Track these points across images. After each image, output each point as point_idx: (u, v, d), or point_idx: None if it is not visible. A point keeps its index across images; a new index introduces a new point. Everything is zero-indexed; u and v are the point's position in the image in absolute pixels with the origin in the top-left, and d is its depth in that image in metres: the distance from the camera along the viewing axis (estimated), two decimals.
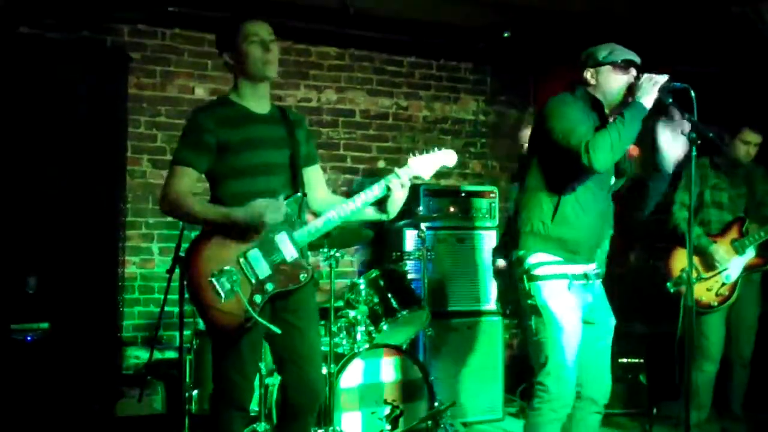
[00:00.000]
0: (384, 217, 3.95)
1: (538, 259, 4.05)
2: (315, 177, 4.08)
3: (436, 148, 3.99)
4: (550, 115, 4.03)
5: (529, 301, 4.07)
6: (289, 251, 3.80)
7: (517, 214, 4.23)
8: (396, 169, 3.86)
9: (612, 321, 4.26)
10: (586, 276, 4.12)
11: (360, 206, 3.86)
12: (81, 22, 6.40)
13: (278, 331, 3.75)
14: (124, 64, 6.44)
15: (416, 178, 3.91)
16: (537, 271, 4.05)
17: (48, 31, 6.26)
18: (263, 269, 3.75)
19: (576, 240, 4.05)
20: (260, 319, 3.70)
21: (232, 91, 3.90)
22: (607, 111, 4.10)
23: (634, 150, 4.23)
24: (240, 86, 3.87)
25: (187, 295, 3.82)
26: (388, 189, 3.85)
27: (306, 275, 3.83)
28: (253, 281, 3.72)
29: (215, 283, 3.65)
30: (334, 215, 3.84)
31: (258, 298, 3.71)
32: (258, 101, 3.89)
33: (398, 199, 3.88)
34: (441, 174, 7.57)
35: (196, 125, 3.75)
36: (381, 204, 3.91)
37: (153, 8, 6.45)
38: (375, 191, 3.84)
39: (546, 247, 4.05)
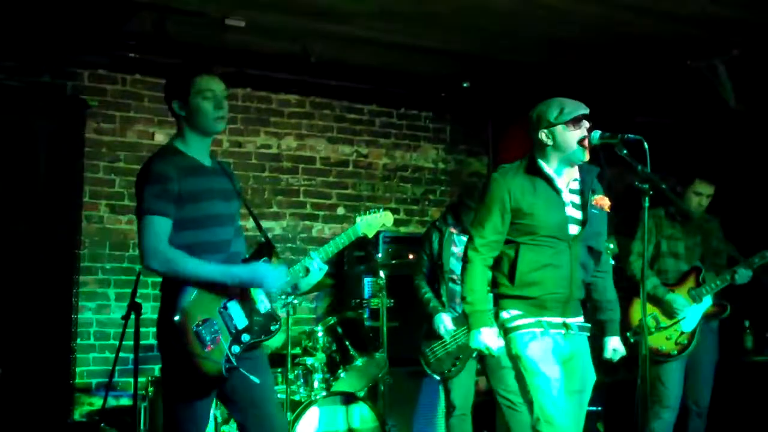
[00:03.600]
0: (290, 294, 4.24)
1: (510, 314, 4.10)
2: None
3: (381, 209, 4.26)
4: (482, 193, 4.24)
5: (510, 353, 4.11)
6: (264, 303, 3.83)
7: None
8: (311, 253, 4.01)
9: (591, 378, 4.26)
10: (566, 326, 4.14)
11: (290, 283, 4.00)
12: (41, 67, 6.40)
13: (257, 380, 3.75)
14: (81, 110, 6.43)
15: (363, 236, 4.14)
16: (512, 324, 4.09)
17: (8, 76, 6.24)
18: (241, 320, 3.74)
19: (539, 296, 4.08)
20: (242, 369, 3.69)
21: (178, 140, 3.84)
22: (569, 166, 4.16)
23: (603, 200, 4.27)
24: (187, 137, 3.82)
25: (153, 341, 3.78)
26: (307, 270, 3.98)
27: (276, 326, 3.84)
28: (233, 331, 3.71)
29: (200, 332, 3.62)
30: (299, 271, 3.95)
31: (236, 349, 3.70)
32: (203, 153, 3.87)
33: (312, 280, 4.02)
34: (401, 221, 7.73)
35: (159, 174, 3.66)
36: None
37: (113, 54, 6.47)
38: (296, 272, 3.96)
39: (514, 305, 4.11)
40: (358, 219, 4.19)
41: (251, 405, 3.85)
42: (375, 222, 4.20)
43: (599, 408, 6.45)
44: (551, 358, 4.05)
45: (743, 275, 5.62)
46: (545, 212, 4.09)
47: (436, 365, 5.51)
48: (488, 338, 4.10)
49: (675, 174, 5.81)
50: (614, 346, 4.40)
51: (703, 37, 6.12)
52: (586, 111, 4.09)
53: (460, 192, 5.98)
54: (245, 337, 3.73)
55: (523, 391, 4.15)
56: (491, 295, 4.21)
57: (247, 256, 3.94)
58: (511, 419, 5.29)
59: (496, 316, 4.17)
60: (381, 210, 4.26)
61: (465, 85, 7.45)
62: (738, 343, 6.55)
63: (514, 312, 4.09)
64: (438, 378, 5.57)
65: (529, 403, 4.07)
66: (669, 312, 5.65)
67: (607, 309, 4.41)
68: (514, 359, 4.11)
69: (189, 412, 3.73)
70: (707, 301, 5.67)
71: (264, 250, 3.94)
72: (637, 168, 3.87)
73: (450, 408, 5.54)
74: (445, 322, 5.45)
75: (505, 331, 4.13)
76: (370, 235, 4.20)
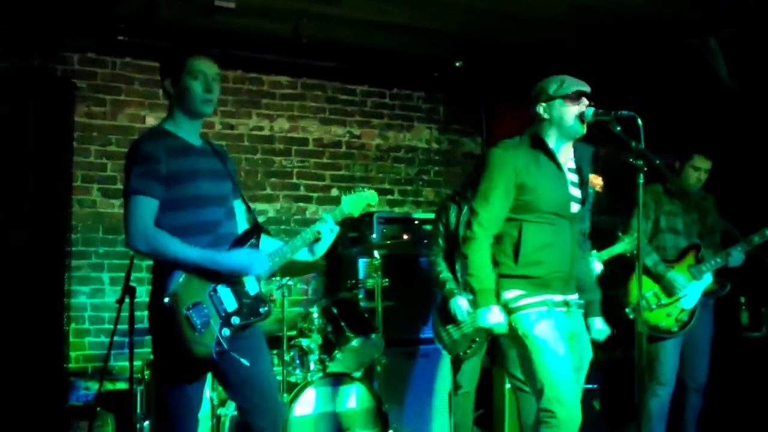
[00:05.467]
0: (310, 258, 4.14)
1: (514, 294, 4.10)
2: (240, 210, 4.09)
3: (366, 188, 4.26)
4: (485, 168, 4.19)
5: (515, 333, 4.09)
6: (253, 285, 3.85)
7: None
8: (324, 215, 4.06)
9: (588, 355, 4.29)
10: (567, 304, 4.17)
11: (301, 246, 4.03)
12: (31, 51, 6.35)
13: (247, 363, 3.76)
14: (69, 93, 6.39)
15: (349, 214, 4.16)
16: (517, 303, 4.09)
17: None
18: (230, 303, 3.76)
19: (544, 275, 4.09)
20: (233, 352, 3.70)
21: (168, 120, 3.86)
22: (566, 142, 4.16)
23: (597, 180, 4.26)
24: (176, 117, 3.84)
25: (147, 325, 3.76)
26: (319, 233, 4.02)
27: (266, 308, 3.85)
28: (222, 314, 3.72)
29: (190, 315, 3.62)
30: (288, 252, 3.96)
31: (226, 332, 3.71)
32: (193, 133, 3.89)
33: (326, 242, 4.07)
34: (395, 202, 7.73)
35: (146, 155, 3.68)
36: (310, 245, 4.10)
37: (103, 37, 6.42)
38: (308, 235, 4.01)
39: (518, 285, 4.11)
40: (342, 198, 4.19)
41: (246, 386, 3.87)
42: (359, 200, 4.19)
43: (595, 386, 6.44)
44: (558, 336, 4.06)
45: (736, 258, 5.66)
46: (549, 188, 4.09)
47: (451, 346, 5.50)
48: (497, 316, 4.08)
49: (671, 151, 5.81)
50: (599, 327, 4.42)
51: (696, 16, 6.09)
52: (587, 89, 4.09)
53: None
54: (235, 320, 3.75)
55: (526, 371, 4.14)
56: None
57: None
58: (521, 400, 5.32)
59: (498, 296, 4.16)
60: (365, 189, 4.25)
61: (457, 64, 7.41)
62: (734, 319, 6.56)
63: (518, 292, 4.09)
64: (451, 357, 5.58)
65: (538, 384, 4.04)
66: (669, 289, 5.66)
67: (589, 290, 4.42)
68: (520, 339, 4.08)
69: (181, 395, 3.74)
70: (707, 279, 5.69)
71: (252, 232, 3.93)
72: (631, 144, 3.87)
73: (456, 387, 5.57)
74: (461, 305, 5.43)
75: (509, 311, 4.11)
76: (356, 214, 4.19)
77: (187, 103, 3.80)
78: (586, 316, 4.42)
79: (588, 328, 4.42)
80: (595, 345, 4.41)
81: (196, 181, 3.77)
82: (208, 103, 3.83)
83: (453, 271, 5.57)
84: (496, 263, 4.18)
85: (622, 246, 5.49)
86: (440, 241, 5.66)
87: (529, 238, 4.08)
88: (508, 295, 4.11)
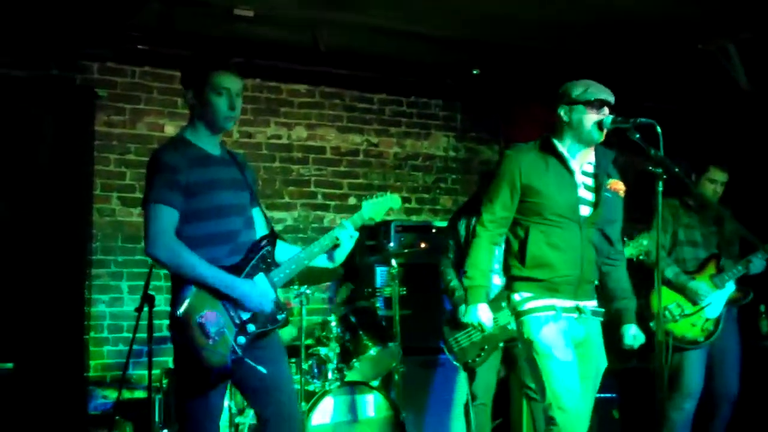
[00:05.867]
0: (330, 265, 4.10)
1: (521, 296, 4.13)
2: (259, 218, 4.06)
3: (388, 192, 4.19)
4: (496, 170, 4.29)
5: (523, 337, 4.12)
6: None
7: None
8: (343, 221, 4.00)
9: (602, 364, 4.26)
10: (579, 310, 4.14)
11: (318, 253, 3.98)
12: (51, 60, 6.39)
13: (264, 371, 3.73)
14: (90, 101, 6.43)
15: (370, 219, 4.10)
16: (524, 307, 4.11)
17: (18, 68, 6.24)
18: (245, 311, 3.74)
19: (552, 278, 4.09)
20: (248, 360, 3.68)
21: (189, 129, 3.85)
22: (584, 147, 4.15)
23: (618, 184, 4.24)
24: (197, 126, 3.83)
25: (166, 333, 3.76)
26: (337, 239, 3.96)
27: (282, 315, 3.84)
28: (237, 322, 3.71)
29: (203, 324, 3.61)
30: (305, 258, 3.92)
31: (242, 340, 3.70)
32: (213, 143, 3.88)
33: (346, 249, 4.01)
34: (412, 210, 7.72)
35: (168, 165, 3.67)
36: (329, 252, 4.04)
37: (122, 46, 6.46)
38: (326, 242, 3.96)
39: (527, 287, 4.12)
40: (363, 203, 4.14)
41: (264, 393, 3.86)
42: (381, 204, 4.13)
43: (614, 395, 6.41)
44: (564, 342, 4.04)
45: (757, 265, 5.63)
46: (556, 191, 4.09)
47: (459, 354, 5.47)
48: (483, 314, 4.20)
49: (687, 159, 5.77)
50: (633, 333, 4.39)
51: (713, 20, 6.06)
52: (611, 98, 4.08)
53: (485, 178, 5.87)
54: (251, 328, 3.73)
55: (534, 376, 4.14)
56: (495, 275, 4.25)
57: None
58: (535, 409, 5.30)
59: (508, 299, 4.18)
60: (387, 193, 4.19)
61: (475, 72, 7.42)
62: (753, 327, 6.51)
63: (526, 294, 4.10)
64: (461, 366, 5.55)
65: (541, 389, 4.07)
66: (693, 299, 5.61)
67: (623, 297, 4.40)
68: (527, 343, 4.10)
69: (200, 403, 3.73)
70: (730, 287, 5.66)
71: (267, 239, 3.92)
72: (650, 152, 3.85)
73: (472, 397, 5.53)
74: None
75: (517, 315, 4.14)
76: (377, 219, 4.15)
77: (209, 117, 3.79)
78: (621, 323, 4.40)
79: (623, 336, 4.40)
80: (615, 354, 4.38)
81: (217, 192, 3.77)
82: (231, 120, 3.83)
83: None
84: (507, 267, 4.23)
85: (627, 251, 5.44)
86: (450, 254, 5.65)
87: (536, 240, 4.10)
88: (517, 297, 4.14)
